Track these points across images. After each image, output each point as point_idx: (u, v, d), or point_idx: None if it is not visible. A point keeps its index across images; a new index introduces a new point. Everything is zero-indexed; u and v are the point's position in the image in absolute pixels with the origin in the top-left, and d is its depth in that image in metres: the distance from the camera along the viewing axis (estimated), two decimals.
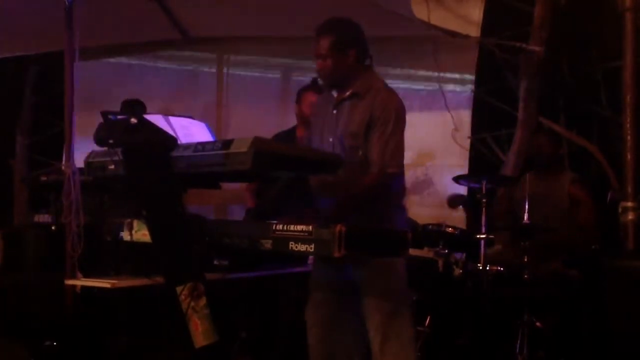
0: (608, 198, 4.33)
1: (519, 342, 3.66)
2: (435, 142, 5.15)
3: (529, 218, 3.90)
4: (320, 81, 3.10)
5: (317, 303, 3.09)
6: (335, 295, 3.05)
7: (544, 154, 4.50)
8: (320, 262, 3.09)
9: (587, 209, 4.38)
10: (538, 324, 3.73)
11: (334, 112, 3.05)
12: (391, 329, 2.92)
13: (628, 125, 3.49)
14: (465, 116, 5.12)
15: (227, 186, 5.02)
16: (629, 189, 3.48)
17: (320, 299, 3.08)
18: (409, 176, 5.00)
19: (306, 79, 4.53)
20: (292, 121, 4.56)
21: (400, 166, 2.99)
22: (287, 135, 4.42)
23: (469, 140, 5.14)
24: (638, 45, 3.77)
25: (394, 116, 2.94)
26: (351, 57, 2.99)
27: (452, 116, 5.04)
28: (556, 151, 4.59)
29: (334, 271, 3.02)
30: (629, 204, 3.46)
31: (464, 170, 4.99)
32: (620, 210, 3.48)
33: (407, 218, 4.45)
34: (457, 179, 4.26)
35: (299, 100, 4.45)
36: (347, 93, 3.02)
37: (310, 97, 4.31)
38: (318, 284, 3.10)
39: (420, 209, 5.07)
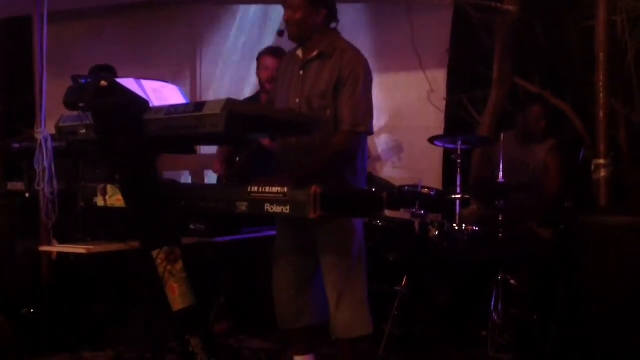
0: (581, 156, 4.38)
1: (493, 300, 3.71)
2: (411, 103, 5.14)
3: (503, 178, 3.93)
4: (285, 31, 3.08)
5: (284, 265, 3.12)
6: (300, 256, 3.09)
7: (538, 127, 4.51)
8: (284, 225, 3.12)
9: (553, 178, 4.43)
10: (512, 282, 3.78)
11: (301, 72, 3.05)
12: (347, 287, 2.99)
13: (601, 84, 3.49)
14: (441, 77, 5.11)
15: (204, 151, 5.01)
16: (602, 147, 3.48)
17: (287, 261, 3.12)
18: (384, 138, 5.02)
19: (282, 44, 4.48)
20: None
21: (371, 126, 3.02)
22: (251, 102, 4.39)
23: (444, 102, 5.14)
24: (612, 3, 3.78)
25: (362, 75, 2.97)
26: (321, 15, 3.02)
27: (427, 77, 5.03)
28: (548, 122, 4.54)
29: (298, 233, 3.05)
30: (602, 161, 3.46)
31: (439, 131, 5.00)
32: (593, 168, 3.50)
33: (383, 181, 4.50)
34: (433, 140, 4.27)
35: (257, 65, 4.41)
36: (314, 53, 3.03)
37: (266, 61, 4.29)
38: (284, 247, 3.13)
39: (396, 171, 5.09)
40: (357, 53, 3.03)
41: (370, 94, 3.03)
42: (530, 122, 4.55)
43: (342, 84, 2.94)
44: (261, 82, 4.38)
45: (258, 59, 4.38)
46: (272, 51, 4.27)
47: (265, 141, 4.34)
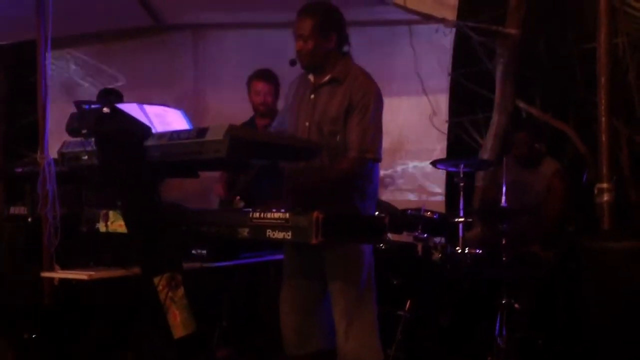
0: (584, 179, 4.38)
1: (498, 324, 3.68)
2: (413, 126, 5.14)
3: (506, 202, 3.92)
4: (297, 61, 3.07)
5: (291, 289, 3.10)
6: (308, 281, 3.07)
7: (522, 153, 4.50)
8: (291, 249, 3.10)
9: (556, 201, 4.41)
10: (516, 305, 3.76)
11: (312, 97, 3.04)
12: (356, 314, 2.95)
13: (603, 107, 3.50)
14: (443, 100, 5.12)
15: (207, 174, 5.00)
16: (604, 170, 3.49)
17: (294, 285, 3.09)
18: (387, 161, 5.02)
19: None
20: None
21: (379, 153, 3.00)
22: (247, 126, 4.39)
23: (446, 125, 5.15)
24: (613, 25, 3.79)
25: (373, 102, 2.95)
26: (332, 41, 3.00)
27: (429, 100, 5.04)
28: (535, 147, 4.50)
29: (306, 258, 3.03)
30: (605, 185, 3.47)
31: (442, 154, 5.00)
32: (595, 191, 3.49)
33: (385, 204, 4.49)
34: (435, 163, 4.28)
35: (248, 90, 4.40)
36: (326, 78, 3.02)
37: (257, 86, 4.31)
38: (291, 271, 3.11)
39: (399, 194, 5.08)
40: (369, 79, 3.01)
41: (379, 121, 3.00)
42: (517, 148, 4.54)
43: (352, 109, 2.93)
44: (254, 107, 4.39)
45: (248, 84, 4.38)
46: (262, 75, 4.30)
47: (218, 189, 4.36)
